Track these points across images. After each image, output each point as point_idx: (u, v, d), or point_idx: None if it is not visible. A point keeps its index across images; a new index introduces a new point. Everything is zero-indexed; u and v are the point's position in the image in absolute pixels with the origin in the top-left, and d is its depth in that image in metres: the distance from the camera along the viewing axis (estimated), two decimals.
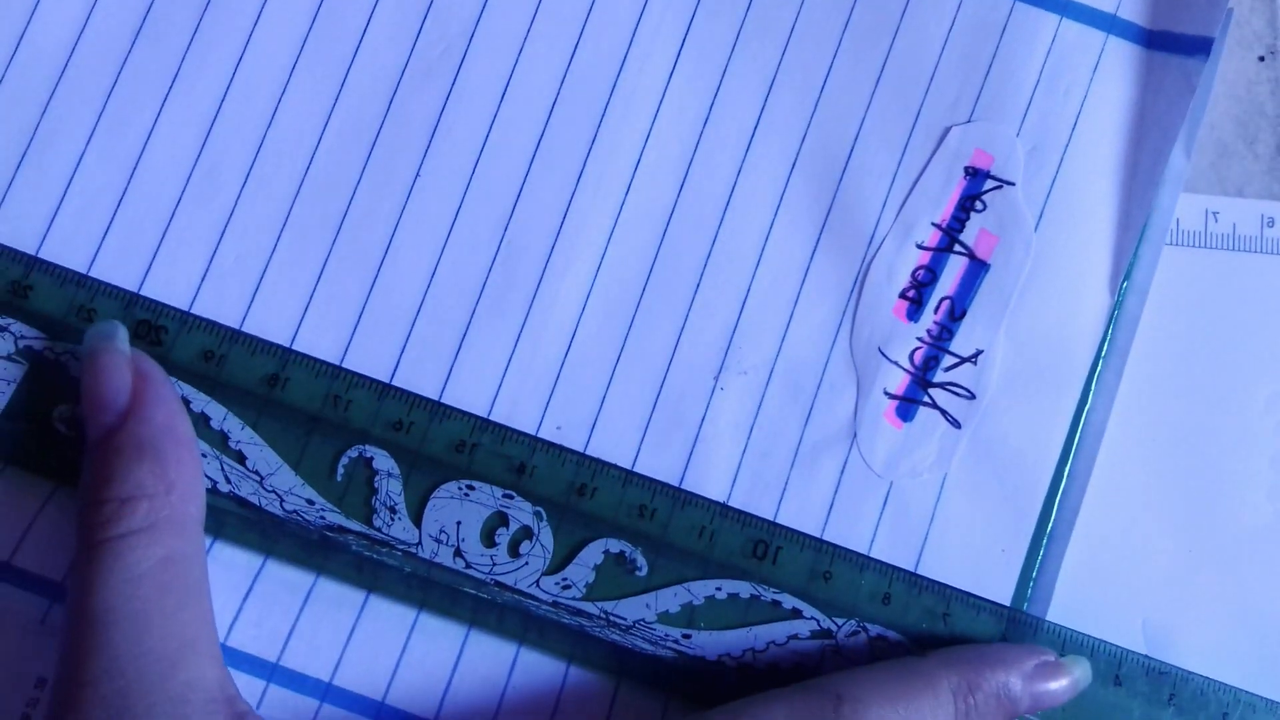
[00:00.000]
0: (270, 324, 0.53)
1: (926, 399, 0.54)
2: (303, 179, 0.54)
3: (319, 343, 0.53)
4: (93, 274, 0.52)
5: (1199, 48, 0.55)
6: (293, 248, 0.54)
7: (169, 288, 0.53)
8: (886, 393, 0.54)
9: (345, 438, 0.51)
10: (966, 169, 0.55)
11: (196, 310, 0.53)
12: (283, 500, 0.50)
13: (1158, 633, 0.54)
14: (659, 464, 0.53)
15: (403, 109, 0.55)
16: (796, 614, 0.51)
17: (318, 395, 0.51)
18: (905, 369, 0.54)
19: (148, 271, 0.53)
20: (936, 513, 0.54)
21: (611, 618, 0.50)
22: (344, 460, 0.51)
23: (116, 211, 0.53)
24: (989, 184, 0.55)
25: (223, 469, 0.50)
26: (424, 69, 0.55)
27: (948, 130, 0.56)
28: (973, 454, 0.54)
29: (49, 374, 0.51)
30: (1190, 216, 0.57)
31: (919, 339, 0.55)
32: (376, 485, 0.51)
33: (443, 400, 0.53)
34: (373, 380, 0.52)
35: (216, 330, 0.52)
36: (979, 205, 0.55)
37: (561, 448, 0.52)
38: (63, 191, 0.53)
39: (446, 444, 0.51)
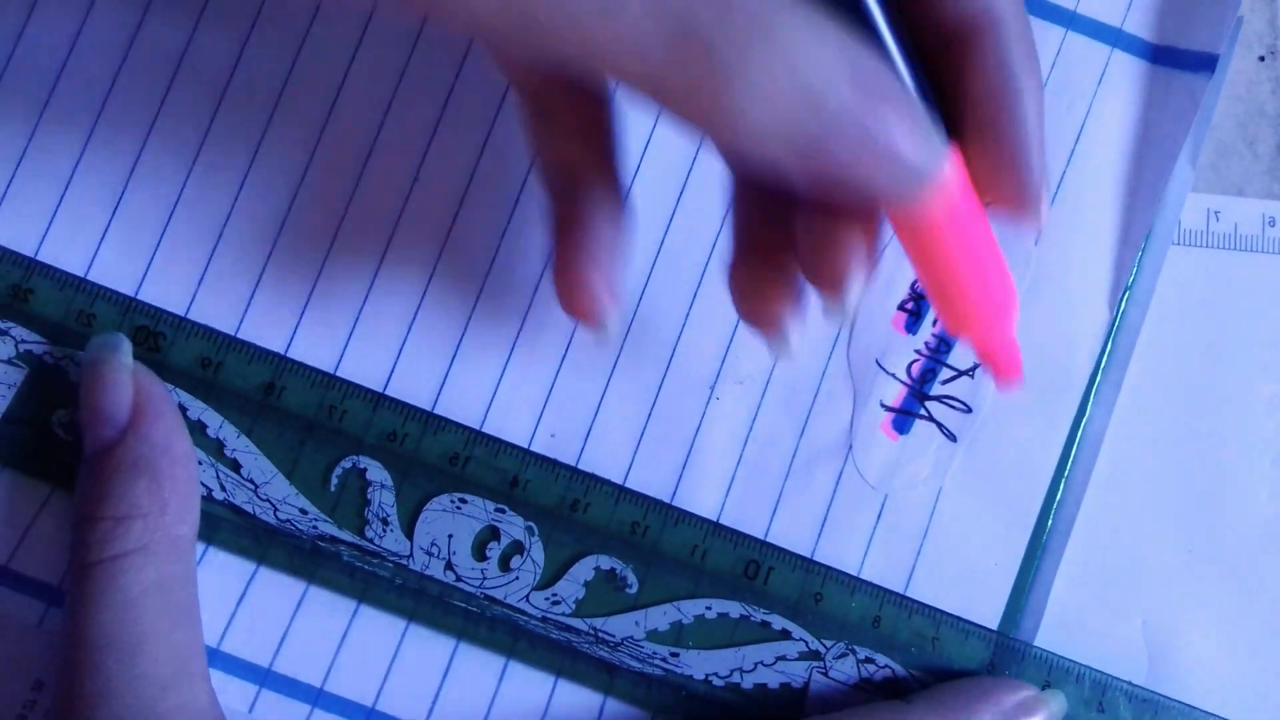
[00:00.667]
0: (267, 328, 0.53)
1: (923, 412, 0.54)
2: (300, 183, 0.54)
3: (315, 348, 0.53)
4: (90, 277, 0.53)
5: (1204, 64, 0.55)
6: (290, 252, 0.54)
7: (166, 291, 0.53)
8: (883, 405, 0.54)
9: (339, 448, 0.51)
10: None
11: (193, 314, 0.53)
12: (276, 509, 0.51)
13: (1158, 634, 0.54)
14: (653, 473, 0.53)
15: (399, 115, 0.55)
16: (785, 635, 0.51)
17: (313, 404, 0.51)
18: (902, 381, 0.54)
19: (145, 275, 0.53)
20: (931, 525, 0.54)
21: (600, 634, 0.51)
22: (337, 470, 0.51)
23: (114, 215, 0.53)
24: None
25: (218, 476, 0.51)
26: (421, 74, 0.55)
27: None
28: (968, 467, 0.54)
29: (49, 378, 0.51)
30: (1191, 216, 0.57)
31: (917, 351, 0.54)
32: (369, 496, 0.51)
33: (437, 407, 0.53)
34: (367, 390, 0.52)
35: (214, 337, 0.52)
36: None
37: (555, 462, 0.52)
38: (61, 194, 0.53)
39: (440, 456, 0.51)
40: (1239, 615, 0.54)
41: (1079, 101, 0.56)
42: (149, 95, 0.54)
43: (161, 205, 0.53)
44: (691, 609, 0.51)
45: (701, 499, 0.53)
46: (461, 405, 0.53)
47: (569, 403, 0.54)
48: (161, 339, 0.51)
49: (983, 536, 0.54)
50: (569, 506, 0.51)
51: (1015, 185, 0.42)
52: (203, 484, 0.50)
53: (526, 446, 0.53)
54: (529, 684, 0.51)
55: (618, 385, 0.54)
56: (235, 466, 0.51)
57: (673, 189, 0.55)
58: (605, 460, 0.53)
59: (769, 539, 0.53)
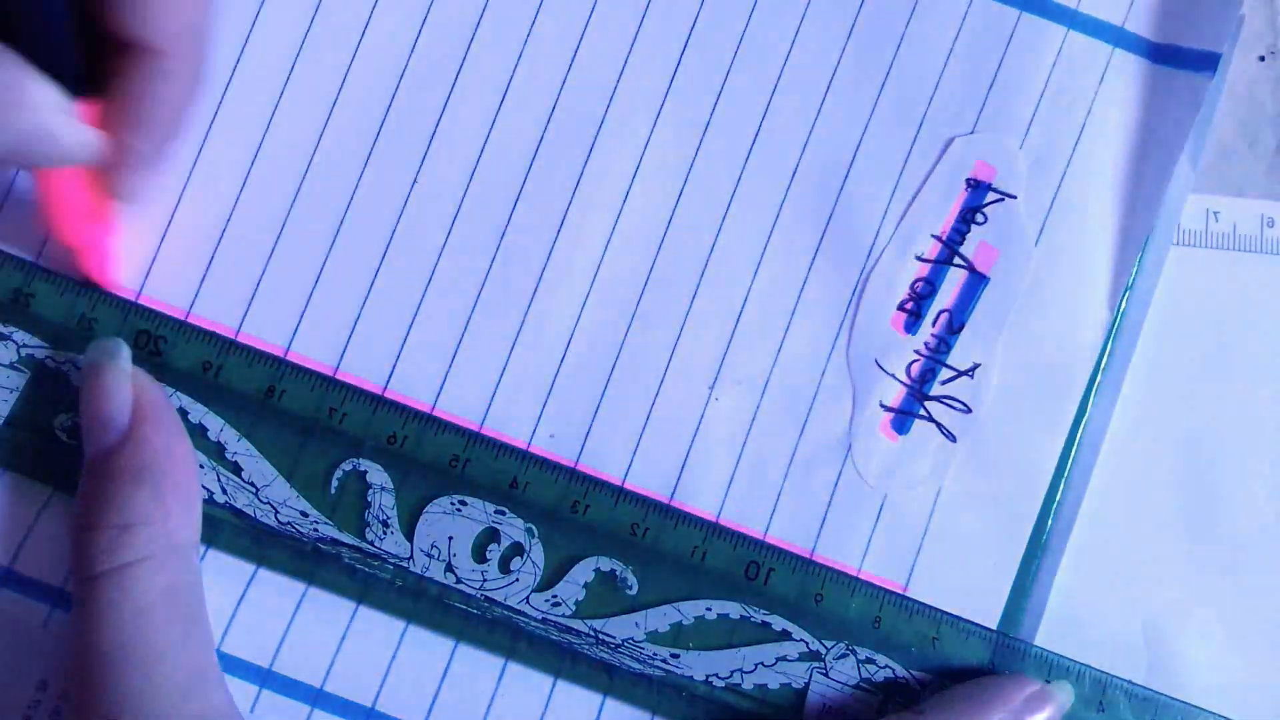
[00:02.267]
0: (268, 328, 0.53)
1: (922, 412, 0.54)
2: (300, 183, 0.54)
3: (316, 346, 0.53)
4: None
5: (1206, 63, 0.55)
6: (290, 252, 0.54)
7: (168, 291, 0.53)
8: (882, 405, 0.54)
9: (339, 450, 0.51)
10: (968, 181, 0.55)
11: (195, 313, 0.53)
12: (277, 512, 0.51)
13: (1157, 634, 0.54)
14: (652, 473, 0.53)
15: (401, 114, 0.55)
16: (786, 636, 0.51)
17: (312, 407, 0.51)
18: (902, 381, 0.54)
19: (147, 275, 0.53)
20: (930, 525, 0.54)
21: (600, 636, 0.51)
22: (338, 473, 0.51)
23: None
24: (990, 196, 0.55)
25: (219, 480, 0.51)
26: (422, 73, 0.55)
27: (950, 141, 0.55)
28: (968, 468, 0.54)
29: (51, 382, 0.51)
30: (1190, 216, 0.57)
31: (916, 352, 0.55)
32: (370, 499, 0.51)
33: (437, 407, 0.53)
34: (367, 392, 0.52)
35: (215, 340, 0.52)
36: (980, 218, 0.55)
37: (554, 464, 0.52)
38: None
39: (439, 458, 0.51)
40: (1239, 615, 0.54)
41: (1080, 101, 0.56)
42: None
43: (163, 204, 0.53)
44: (692, 610, 0.51)
45: (701, 499, 0.53)
46: (461, 405, 0.53)
47: (568, 403, 0.54)
48: (162, 342, 0.51)
49: (983, 536, 0.54)
50: (569, 508, 0.51)
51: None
52: (204, 487, 0.50)
53: (526, 446, 0.53)
54: (528, 685, 0.51)
55: (617, 385, 0.54)
56: (236, 470, 0.51)
57: (673, 187, 0.55)
58: (605, 460, 0.53)
59: (768, 539, 0.53)
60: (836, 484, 0.54)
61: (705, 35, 0.56)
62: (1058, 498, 0.54)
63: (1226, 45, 0.55)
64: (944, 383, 0.55)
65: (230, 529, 0.51)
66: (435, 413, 0.53)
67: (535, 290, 0.54)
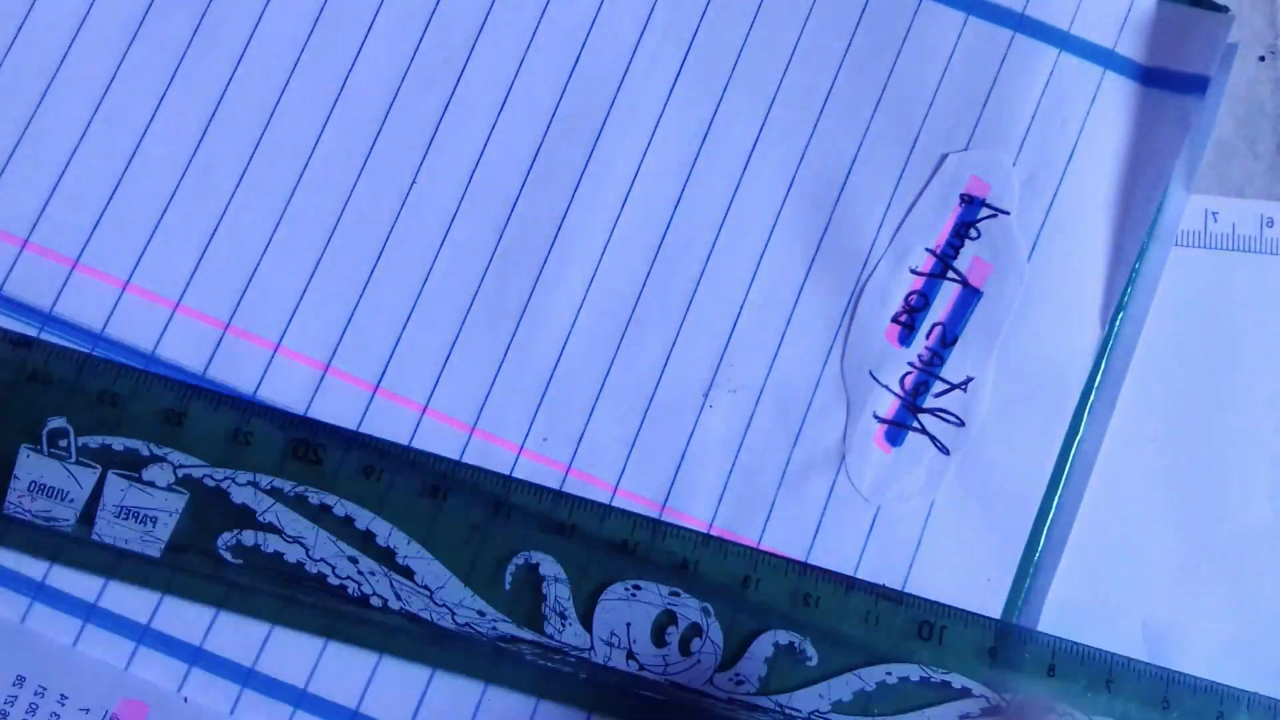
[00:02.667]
0: (258, 323, 0.53)
1: (916, 424, 0.56)
2: (298, 180, 0.54)
3: (307, 344, 0.53)
4: (81, 263, 0.53)
5: (1195, 86, 0.57)
6: (285, 249, 0.54)
7: (158, 282, 0.53)
8: (876, 416, 0.56)
9: (510, 544, 0.50)
10: (962, 196, 0.57)
11: (184, 304, 0.53)
12: (454, 613, 0.49)
13: (1158, 634, 0.56)
14: (644, 480, 0.54)
15: (401, 115, 0.55)
16: (966, 693, 0.52)
17: (481, 504, 0.50)
18: (895, 393, 0.56)
19: (136, 266, 0.53)
20: (924, 537, 0.55)
21: (787, 712, 0.51)
22: (510, 568, 0.49)
23: (109, 203, 0.53)
24: (984, 212, 0.57)
25: (392, 586, 0.48)
26: (424, 76, 0.54)
27: (944, 157, 0.57)
28: (961, 481, 0.56)
29: (211, 501, 0.49)
30: (1190, 216, 0.58)
31: (910, 364, 0.56)
32: (545, 591, 0.49)
33: (429, 410, 0.53)
34: (538, 486, 0.51)
35: (377, 447, 0.51)
36: (973, 233, 0.57)
37: (726, 543, 0.52)
38: (56, 179, 0.53)
39: (610, 543, 0.51)
40: (1238, 615, 0.56)
41: (1071, 121, 0.57)
42: (150, 86, 0.54)
43: (158, 196, 0.54)
44: (872, 675, 0.51)
45: (693, 508, 0.54)
46: (455, 407, 0.53)
47: (563, 407, 0.53)
48: (322, 450, 0.50)
49: (976, 550, 0.55)
50: (740, 583, 0.51)
51: None
52: (377, 594, 0.49)
53: (519, 450, 0.53)
54: (508, 701, 0.51)
55: (611, 391, 0.54)
56: (408, 574, 0.48)
57: (671, 196, 0.55)
58: (597, 466, 0.53)
59: (760, 548, 0.53)
60: (830, 495, 0.55)
61: (703, 51, 0.56)
62: (1051, 512, 0.56)
63: (1216, 69, 0.57)
64: (937, 395, 0.56)
65: (405, 636, 0.49)
66: (429, 413, 0.53)
67: (531, 294, 0.54)
